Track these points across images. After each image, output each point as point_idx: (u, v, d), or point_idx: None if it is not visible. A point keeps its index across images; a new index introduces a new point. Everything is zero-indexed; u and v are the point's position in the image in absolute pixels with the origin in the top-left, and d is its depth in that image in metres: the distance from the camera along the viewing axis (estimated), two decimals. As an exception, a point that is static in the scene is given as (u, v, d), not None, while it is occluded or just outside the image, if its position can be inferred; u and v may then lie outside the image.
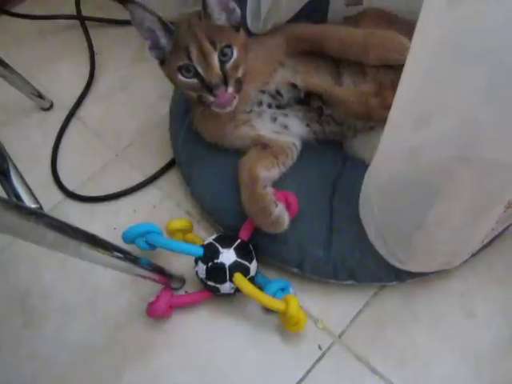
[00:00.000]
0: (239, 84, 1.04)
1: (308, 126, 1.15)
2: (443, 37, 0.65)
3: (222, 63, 1.02)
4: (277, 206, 1.03)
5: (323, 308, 1.09)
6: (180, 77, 1.04)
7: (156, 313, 1.06)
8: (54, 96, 1.44)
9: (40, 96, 1.40)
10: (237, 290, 1.03)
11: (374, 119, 1.08)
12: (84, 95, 1.44)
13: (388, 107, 0.84)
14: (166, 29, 1.04)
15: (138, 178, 1.28)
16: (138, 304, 1.11)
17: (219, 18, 1.04)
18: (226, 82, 1.01)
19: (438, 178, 0.84)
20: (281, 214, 1.03)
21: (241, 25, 1.08)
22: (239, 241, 1.05)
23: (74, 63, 1.50)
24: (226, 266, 1.02)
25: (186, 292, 1.12)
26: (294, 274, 1.11)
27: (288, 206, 1.06)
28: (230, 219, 1.12)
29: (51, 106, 1.43)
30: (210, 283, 1.04)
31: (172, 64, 1.04)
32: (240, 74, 1.05)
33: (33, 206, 0.74)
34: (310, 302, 1.09)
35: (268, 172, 1.10)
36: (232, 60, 1.03)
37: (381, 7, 1.19)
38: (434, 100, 0.73)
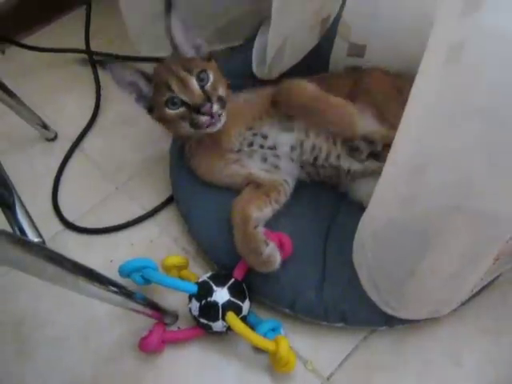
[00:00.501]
0: (223, 102, 1.09)
1: (302, 167, 1.19)
2: (441, 91, 0.68)
3: (202, 86, 1.08)
4: (268, 245, 1.05)
5: (313, 349, 1.10)
6: (168, 111, 1.09)
7: (148, 347, 1.07)
8: (59, 127, 1.46)
9: (45, 127, 1.42)
10: (229, 328, 1.04)
11: None
12: (88, 128, 1.47)
13: None
14: (147, 77, 1.12)
15: (137, 212, 1.30)
16: (130, 338, 1.12)
17: (188, 53, 1.13)
18: (209, 100, 1.06)
19: (431, 226, 0.86)
20: (272, 254, 1.05)
21: (211, 56, 1.15)
22: (233, 280, 1.07)
23: (80, 96, 1.53)
24: (219, 304, 1.03)
25: (178, 328, 1.13)
26: (285, 314, 1.12)
27: (281, 247, 1.08)
28: (225, 258, 1.14)
29: (55, 137, 1.45)
30: (202, 321, 1.05)
31: (158, 103, 1.10)
32: (221, 92, 1.10)
33: (35, 239, 0.76)
34: (300, 343, 1.10)
35: (260, 212, 1.13)
36: (210, 82, 1.09)
37: (381, 63, 1.23)
38: (430, 151, 0.76)
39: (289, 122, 1.16)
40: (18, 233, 0.76)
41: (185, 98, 1.07)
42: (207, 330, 1.07)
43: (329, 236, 1.17)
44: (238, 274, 1.09)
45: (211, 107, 1.06)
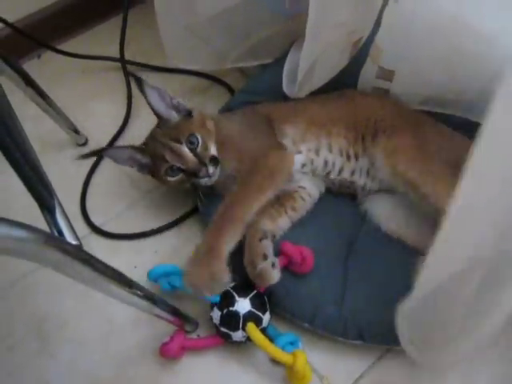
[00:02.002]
0: (215, 160, 1.17)
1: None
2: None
3: (193, 150, 1.16)
4: (266, 260, 1.07)
5: (329, 365, 1.12)
6: (170, 179, 1.19)
7: (168, 353, 1.09)
8: (89, 133, 1.50)
9: (76, 131, 1.45)
10: (248, 338, 1.07)
11: None
12: (118, 135, 1.50)
13: None
14: (141, 150, 1.22)
15: (162, 220, 1.33)
16: (150, 343, 1.14)
17: (170, 115, 1.21)
18: (203, 163, 1.14)
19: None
20: (265, 269, 1.07)
21: (191, 111, 1.23)
22: (255, 291, 1.09)
23: (112, 103, 1.57)
24: (241, 314, 1.06)
25: (198, 336, 1.15)
26: (304, 329, 1.14)
27: (303, 261, 1.10)
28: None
29: (86, 142, 1.49)
30: (223, 329, 1.07)
31: (158, 172, 1.20)
32: (212, 151, 1.18)
33: (73, 242, 0.78)
34: (317, 358, 1.12)
35: (274, 223, 1.17)
36: (200, 144, 1.17)
37: (408, 89, 1.26)
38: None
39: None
40: (56, 234, 0.78)
41: (181, 166, 1.16)
42: (226, 338, 1.09)
43: (351, 252, 1.19)
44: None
45: (207, 171, 1.14)
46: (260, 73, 1.48)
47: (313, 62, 1.25)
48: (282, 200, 1.20)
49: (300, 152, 1.22)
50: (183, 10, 1.36)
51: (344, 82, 1.34)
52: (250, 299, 1.08)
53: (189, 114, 1.22)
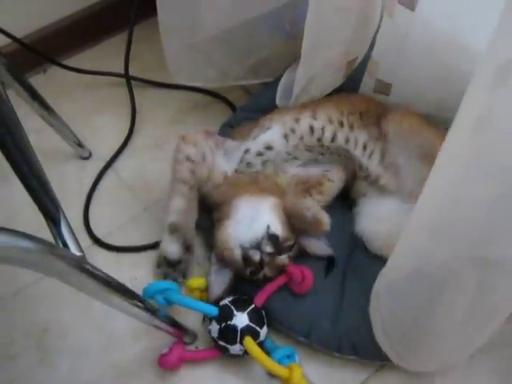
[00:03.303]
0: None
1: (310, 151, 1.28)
2: (470, 156, 0.72)
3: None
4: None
5: (325, 379, 1.13)
6: None
7: (167, 364, 1.11)
8: (93, 147, 1.52)
9: (80, 145, 1.48)
10: (245, 352, 1.08)
11: None
12: (122, 149, 1.53)
13: None
14: None
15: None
16: (149, 354, 1.15)
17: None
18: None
19: (447, 279, 0.88)
20: (316, 212, 1.16)
21: None
22: (253, 306, 1.11)
23: (116, 118, 1.59)
24: (238, 328, 1.08)
25: (196, 347, 1.17)
26: (301, 342, 1.15)
27: (303, 280, 1.13)
28: (246, 285, 1.18)
29: (90, 156, 1.51)
30: (221, 343, 1.09)
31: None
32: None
33: (77, 253, 0.81)
34: (314, 372, 1.13)
35: None
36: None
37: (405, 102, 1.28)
38: (456, 205, 0.78)
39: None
40: (60, 246, 0.81)
41: None
42: (224, 352, 1.11)
43: (348, 269, 1.21)
44: (259, 300, 1.13)
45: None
46: (261, 90, 1.51)
47: (308, 79, 1.29)
48: (308, 187, 1.24)
49: (269, 128, 1.26)
50: (187, 28, 1.39)
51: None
52: (248, 313, 1.10)
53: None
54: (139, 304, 0.97)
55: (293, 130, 1.25)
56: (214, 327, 1.10)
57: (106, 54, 1.73)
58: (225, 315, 1.10)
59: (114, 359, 1.17)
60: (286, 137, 1.25)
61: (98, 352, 1.18)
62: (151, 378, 1.14)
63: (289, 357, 1.11)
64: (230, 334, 1.08)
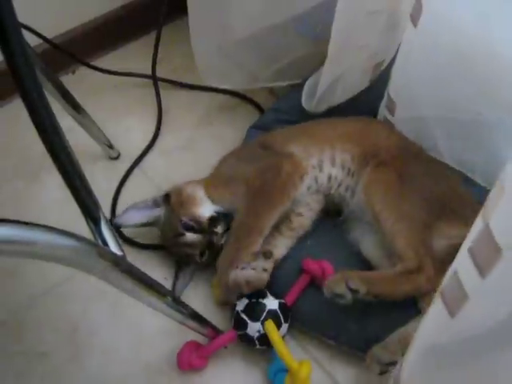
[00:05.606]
0: (215, 218, 1.23)
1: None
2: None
3: (194, 230, 1.21)
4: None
5: (353, 381, 1.14)
6: (202, 260, 1.24)
7: (182, 365, 1.12)
8: (121, 147, 1.54)
9: (110, 145, 1.49)
10: (258, 340, 1.09)
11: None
12: (148, 149, 1.54)
13: None
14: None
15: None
16: (179, 353, 1.16)
17: (157, 214, 1.29)
18: (210, 232, 1.21)
19: None
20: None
21: (168, 196, 1.28)
22: (283, 301, 1.13)
23: (143, 119, 1.61)
24: (267, 307, 1.10)
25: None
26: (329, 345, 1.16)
27: (322, 273, 1.14)
28: (278, 285, 1.17)
29: (118, 156, 1.53)
30: (243, 316, 1.10)
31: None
32: (206, 213, 1.23)
33: (118, 253, 0.82)
34: (342, 373, 1.15)
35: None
36: (193, 222, 1.22)
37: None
38: None
39: None
40: (101, 245, 0.82)
41: (197, 250, 1.22)
42: (240, 330, 1.10)
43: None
44: (289, 299, 1.14)
45: (217, 233, 1.20)
46: (290, 92, 1.51)
47: (333, 80, 1.29)
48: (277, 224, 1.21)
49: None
50: (217, 30, 1.40)
51: (363, 105, 1.40)
52: (280, 303, 1.11)
53: (167, 199, 1.26)
54: (175, 304, 0.98)
55: (316, 180, 1.25)
56: (243, 302, 1.11)
57: (134, 56, 1.75)
58: (258, 293, 1.12)
59: (145, 358, 1.18)
60: (308, 188, 1.25)
61: (128, 350, 1.20)
62: (180, 376, 1.15)
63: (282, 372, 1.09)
64: (256, 309, 1.10)
